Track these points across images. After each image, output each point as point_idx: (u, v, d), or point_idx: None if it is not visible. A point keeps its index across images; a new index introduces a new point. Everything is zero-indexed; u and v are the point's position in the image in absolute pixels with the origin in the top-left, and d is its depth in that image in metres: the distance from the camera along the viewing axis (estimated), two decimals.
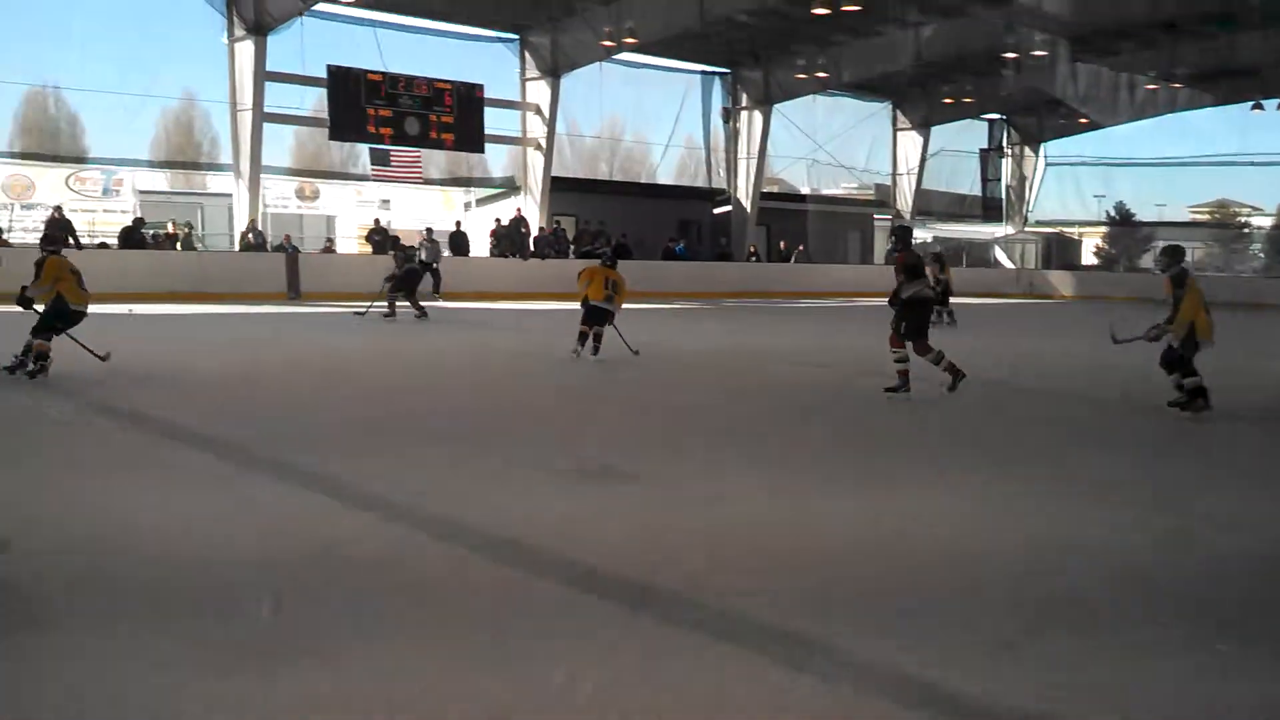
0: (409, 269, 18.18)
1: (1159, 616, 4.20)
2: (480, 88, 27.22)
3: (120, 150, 26.53)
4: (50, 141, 26.33)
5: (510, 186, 30.58)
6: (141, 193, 26.99)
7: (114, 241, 22.81)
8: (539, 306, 22.01)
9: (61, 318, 9.62)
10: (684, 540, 5.06)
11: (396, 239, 21.03)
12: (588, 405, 9.92)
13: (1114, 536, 5.30)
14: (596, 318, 12.37)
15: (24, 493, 5.63)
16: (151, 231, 24.27)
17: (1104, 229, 43.91)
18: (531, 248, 27.23)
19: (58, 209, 22.49)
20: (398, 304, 17.67)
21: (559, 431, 8.13)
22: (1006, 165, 41.34)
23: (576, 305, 12.68)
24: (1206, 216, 44.97)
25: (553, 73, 28.61)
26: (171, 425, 7.63)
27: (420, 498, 5.69)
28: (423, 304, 18.10)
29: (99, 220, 25.25)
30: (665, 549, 4.89)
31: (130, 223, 23.37)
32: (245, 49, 24.07)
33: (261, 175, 25.29)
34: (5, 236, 22.36)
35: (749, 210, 33.55)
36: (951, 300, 19.09)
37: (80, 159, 26.17)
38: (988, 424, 9.03)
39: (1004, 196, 41.40)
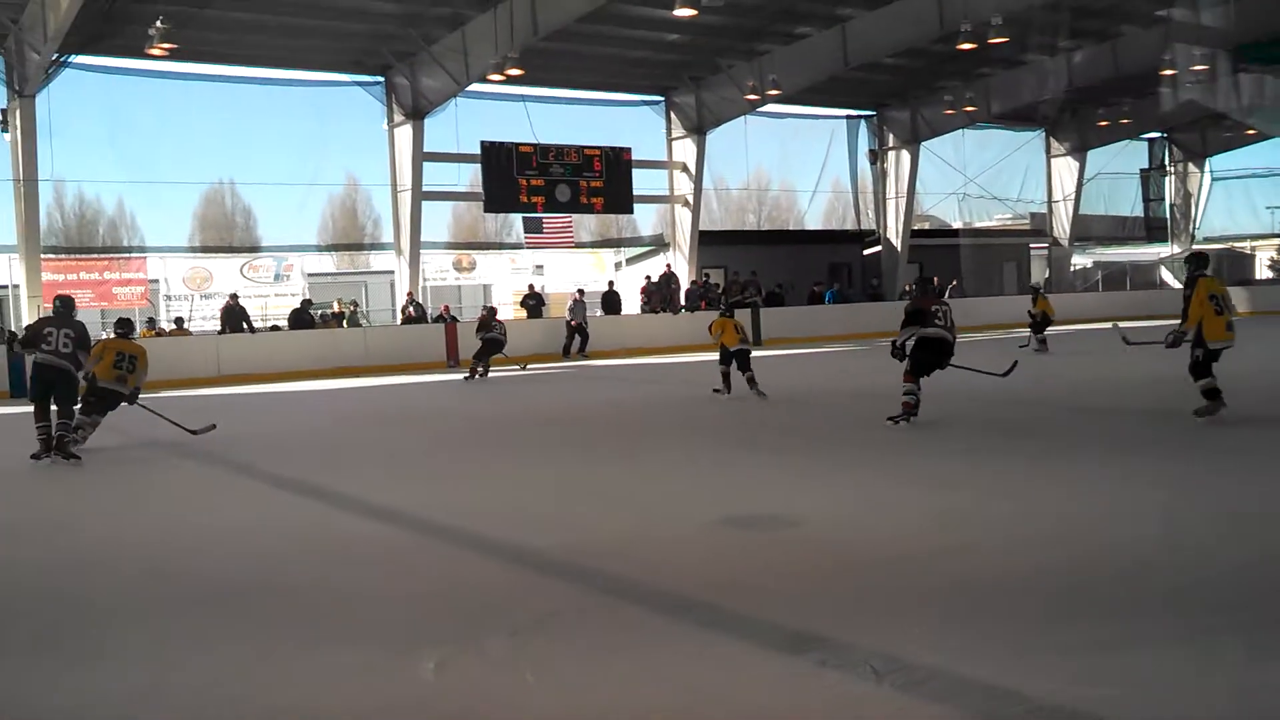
0: (488, 339, 19.60)
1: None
2: (628, 150, 27.54)
3: (290, 238, 27.76)
4: (226, 234, 27.73)
5: (659, 244, 30.79)
6: (309, 275, 28.14)
7: (284, 324, 23.78)
8: (688, 359, 22.21)
9: (92, 393, 10.62)
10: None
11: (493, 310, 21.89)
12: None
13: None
14: (742, 360, 13.77)
15: None
16: (319, 312, 25.22)
17: (1278, 241, 41.77)
18: (682, 301, 27.36)
19: (233, 296, 23.57)
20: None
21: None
22: (1170, 183, 39.76)
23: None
24: None
25: (698, 130, 28.78)
26: None
27: None
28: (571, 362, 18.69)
29: (271, 304, 26.43)
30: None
31: (298, 305, 24.27)
32: (404, 133, 24.94)
33: (421, 250, 26.06)
34: (187, 326, 23.57)
35: (899, 249, 33.02)
36: (1049, 329, 21.41)
37: (254, 248, 27.45)
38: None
39: (1168, 215, 39.81)
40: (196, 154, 25.86)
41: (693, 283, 28.69)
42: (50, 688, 4.09)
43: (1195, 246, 39.57)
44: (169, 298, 25.36)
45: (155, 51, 19.02)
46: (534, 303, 26.54)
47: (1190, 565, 5.17)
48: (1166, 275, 39.86)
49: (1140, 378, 14.00)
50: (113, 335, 12.29)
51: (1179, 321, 9.60)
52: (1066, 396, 13.31)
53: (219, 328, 22.99)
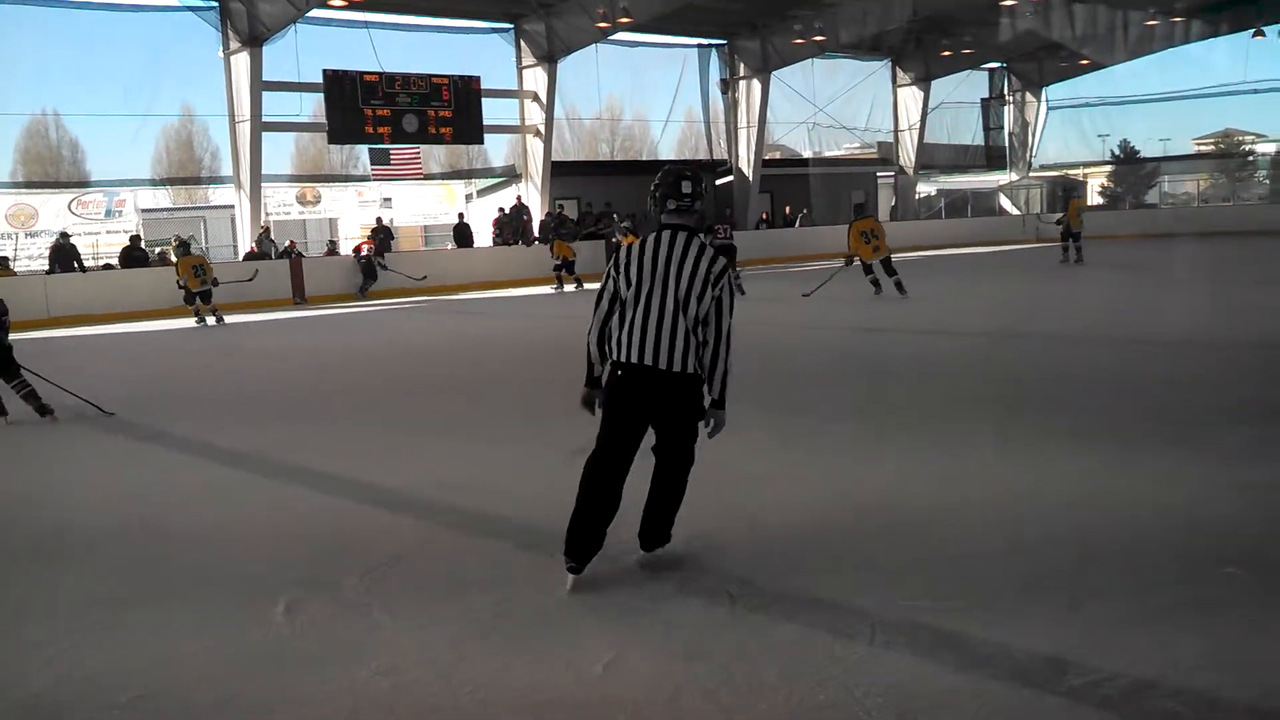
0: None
1: None
2: (477, 79, 26.91)
3: (122, 171, 26.30)
4: (52, 168, 26.17)
5: (511, 175, 30.35)
6: (144, 211, 26.82)
7: (117, 263, 22.65)
8: (538, 291, 22.34)
9: None
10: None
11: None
12: None
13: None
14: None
15: None
16: (159, 249, 24.13)
17: (1109, 168, 43.59)
18: (536, 233, 27.12)
19: (62, 235, 22.36)
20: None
21: None
22: (1009, 113, 40.95)
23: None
24: (1211, 147, 44.53)
25: (549, 58, 28.31)
26: None
27: None
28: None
29: (102, 242, 25.13)
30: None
31: (128, 242, 23.10)
32: (241, 61, 23.81)
33: (263, 184, 25.12)
34: (12, 266, 22.24)
35: (751, 179, 33.29)
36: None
37: (82, 183, 25.98)
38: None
39: (1007, 144, 41.07)
40: (14, 84, 24.20)
41: (546, 214, 28.42)
42: None
43: (1032, 174, 41.09)
44: None
45: None
46: (383, 236, 25.95)
47: None
48: (1005, 203, 41.26)
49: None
50: None
51: None
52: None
53: (47, 268, 21.78)
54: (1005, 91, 40.80)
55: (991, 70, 40.12)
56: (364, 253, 23.64)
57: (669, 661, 3.44)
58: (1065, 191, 24.45)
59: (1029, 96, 40.95)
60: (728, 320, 4.15)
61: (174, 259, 19.78)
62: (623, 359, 4.08)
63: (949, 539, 4.58)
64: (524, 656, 3.53)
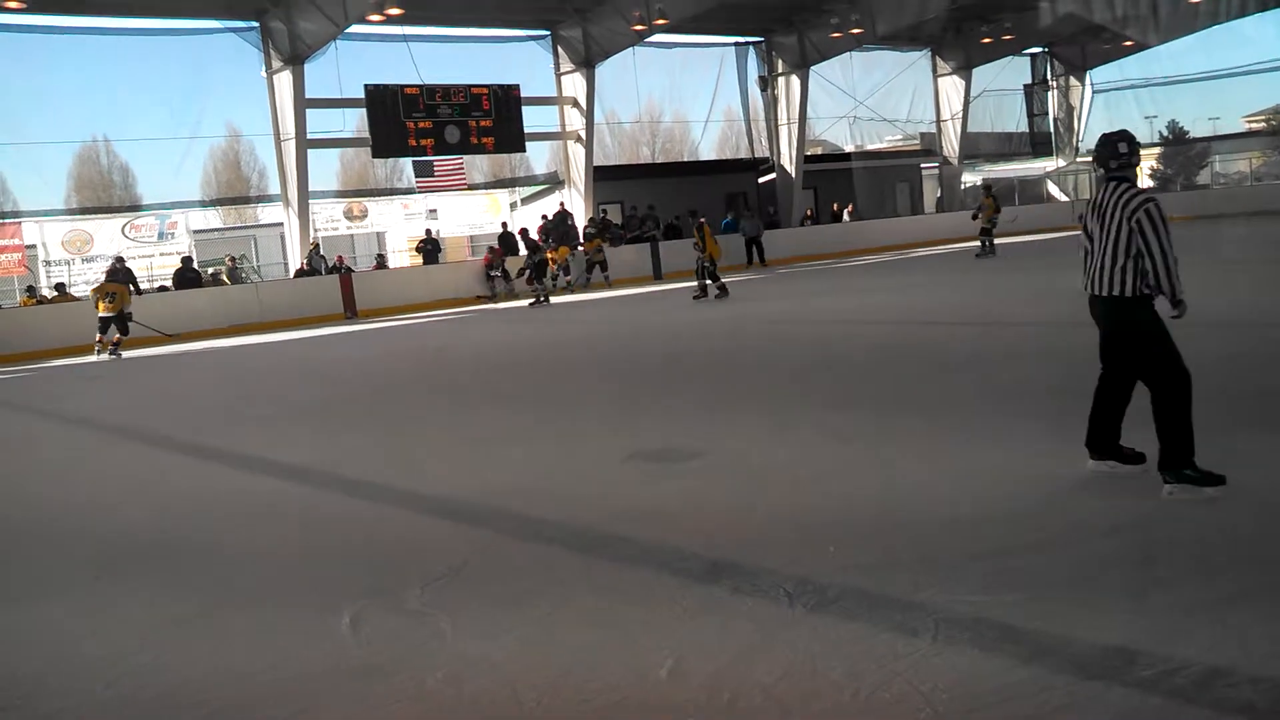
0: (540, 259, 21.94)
1: None
2: (516, 88, 27.07)
3: (172, 194, 26.93)
4: (104, 193, 26.71)
5: (554, 182, 30.47)
6: (195, 232, 27.24)
7: (170, 284, 23.05)
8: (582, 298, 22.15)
9: None
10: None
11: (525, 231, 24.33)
12: None
13: None
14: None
15: None
16: (211, 270, 24.52)
17: (1158, 150, 42.94)
18: (581, 239, 27.19)
19: (118, 259, 22.78)
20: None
21: None
22: (1052, 98, 40.48)
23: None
24: (1263, 124, 43.74)
25: (586, 63, 28.40)
26: None
27: None
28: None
29: (156, 265, 25.57)
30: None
31: (180, 264, 23.50)
32: (284, 79, 24.15)
33: (310, 200, 25.41)
34: (70, 290, 22.69)
35: (794, 176, 33.16)
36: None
37: (134, 207, 26.48)
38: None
39: (1053, 130, 40.59)
40: (66, 112, 24.84)
41: (589, 219, 28.51)
42: None
43: (1079, 159, 40.52)
44: (48, 263, 24.35)
45: (11, 4, 18.12)
46: (430, 248, 26.16)
47: None
48: (1053, 189, 40.78)
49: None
50: None
51: None
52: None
53: None
54: (1048, 76, 40.33)
55: (1033, 55, 39.68)
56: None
57: (730, 663, 3.44)
58: (987, 190, 25.23)
59: (1073, 80, 40.48)
60: (1156, 241, 4.85)
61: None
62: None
63: (1007, 532, 4.53)
64: (586, 662, 3.54)
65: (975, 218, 24.70)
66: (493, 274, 24.06)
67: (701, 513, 5.20)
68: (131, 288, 22.11)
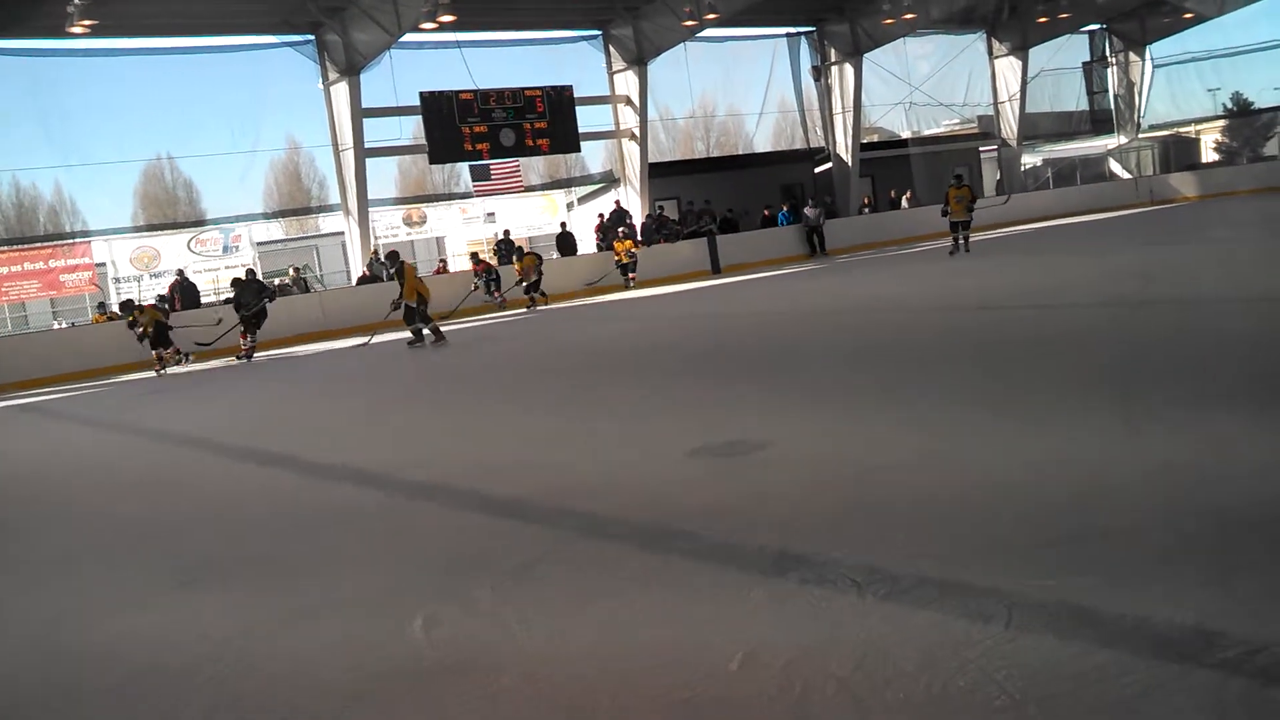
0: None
1: None
2: (569, 88, 27.20)
3: (235, 208, 27.41)
4: (170, 210, 27.27)
5: (610, 180, 30.56)
6: (259, 245, 27.72)
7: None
8: (646, 293, 22.16)
9: None
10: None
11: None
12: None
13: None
14: None
15: None
16: (276, 281, 24.91)
17: (1222, 122, 41.98)
18: (638, 235, 27.22)
19: (179, 273, 23.26)
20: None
21: None
22: (1112, 75, 39.77)
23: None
24: None
25: (639, 61, 28.44)
26: None
27: None
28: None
29: (223, 277, 26.03)
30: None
31: (243, 275, 23.80)
32: (340, 90, 24.49)
33: (370, 208, 25.73)
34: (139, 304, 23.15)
35: (850, 164, 32.93)
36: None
37: (199, 222, 27.01)
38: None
39: (1113, 107, 39.86)
40: (131, 131, 25.48)
41: (647, 216, 28.56)
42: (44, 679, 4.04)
43: (1141, 135, 39.75)
44: (118, 280, 24.91)
45: (77, 29, 18.54)
46: (506, 249, 26.21)
47: None
48: (1115, 167, 40.07)
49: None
50: None
51: None
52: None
53: (168, 306, 22.63)
54: (1107, 53, 39.62)
55: (1091, 33, 39.01)
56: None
57: (801, 655, 3.43)
58: (957, 180, 23.56)
59: (1132, 56, 39.70)
60: None
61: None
62: None
63: (1079, 518, 4.46)
64: (657, 659, 3.54)
65: (945, 214, 23.02)
66: (476, 282, 23.35)
67: (768, 505, 5.18)
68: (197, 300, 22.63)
